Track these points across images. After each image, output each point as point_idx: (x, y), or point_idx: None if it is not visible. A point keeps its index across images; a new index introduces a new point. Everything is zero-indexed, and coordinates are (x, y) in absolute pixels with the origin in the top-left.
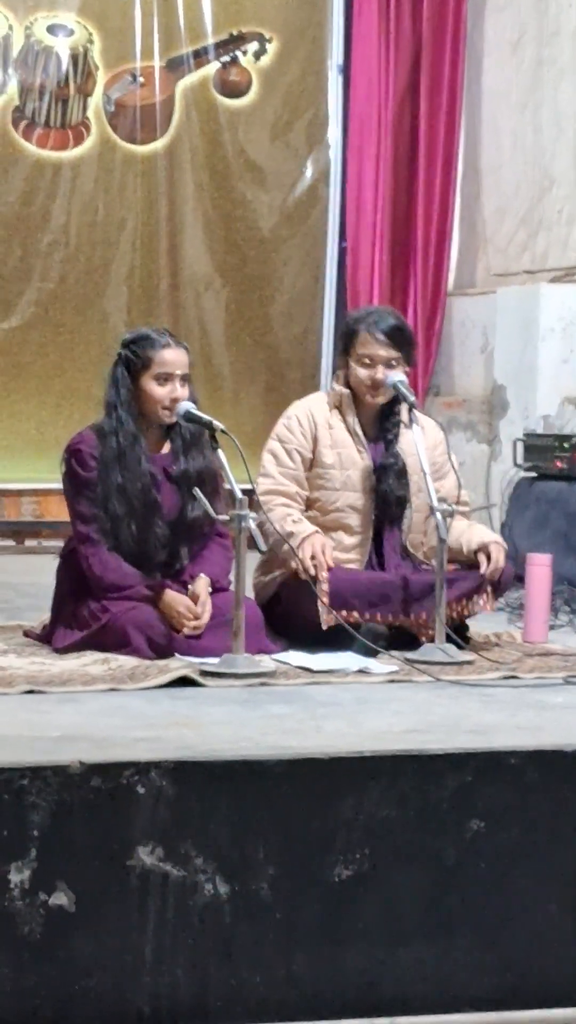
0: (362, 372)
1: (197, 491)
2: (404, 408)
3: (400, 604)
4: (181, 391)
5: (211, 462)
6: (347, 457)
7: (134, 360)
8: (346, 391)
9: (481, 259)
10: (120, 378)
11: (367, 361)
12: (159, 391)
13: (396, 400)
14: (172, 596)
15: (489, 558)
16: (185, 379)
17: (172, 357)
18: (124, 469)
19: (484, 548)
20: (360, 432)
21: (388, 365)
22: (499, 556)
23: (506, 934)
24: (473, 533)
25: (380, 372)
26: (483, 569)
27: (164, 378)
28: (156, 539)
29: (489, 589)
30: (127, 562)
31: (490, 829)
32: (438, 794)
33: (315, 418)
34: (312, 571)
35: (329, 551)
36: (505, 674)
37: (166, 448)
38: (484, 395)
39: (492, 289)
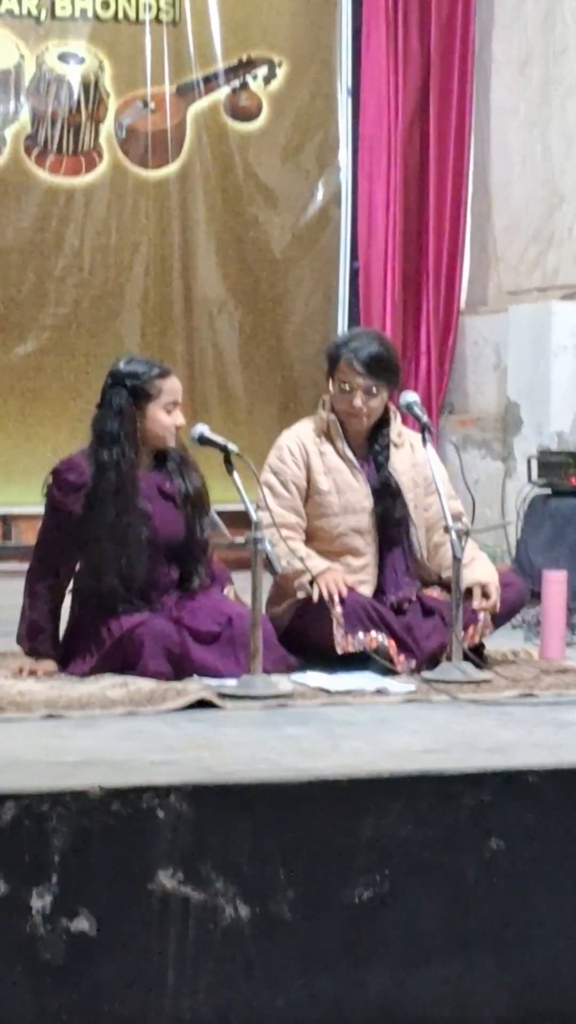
0: (342, 399)
1: (215, 516)
2: (394, 429)
3: (411, 643)
4: (181, 417)
5: (203, 482)
6: (343, 481)
7: (141, 390)
8: (332, 417)
9: (492, 277)
10: (126, 409)
11: (345, 388)
12: (166, 419)
13: (383, 422)
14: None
15: (485, 595)
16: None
17: (175, 385)
18: (119, 507)
19: (479, 586)
20: (351, 455)
21: (367, 392)
22: (494, 596)
23: (526, 952)
24: (472, 566)
25: (359, 400)
26: (475, 604)
27: (170, 406)
28: (152, 562)
29: (480, 621)
30: (116, 595)
31: (509, 848)
32: (457, 813)
33: (306, 446)
34: (337, 607)
35: (342, 583)
36: (523, 692)
37: (154, 468)
38: (498, 413)
39: (504, 307)
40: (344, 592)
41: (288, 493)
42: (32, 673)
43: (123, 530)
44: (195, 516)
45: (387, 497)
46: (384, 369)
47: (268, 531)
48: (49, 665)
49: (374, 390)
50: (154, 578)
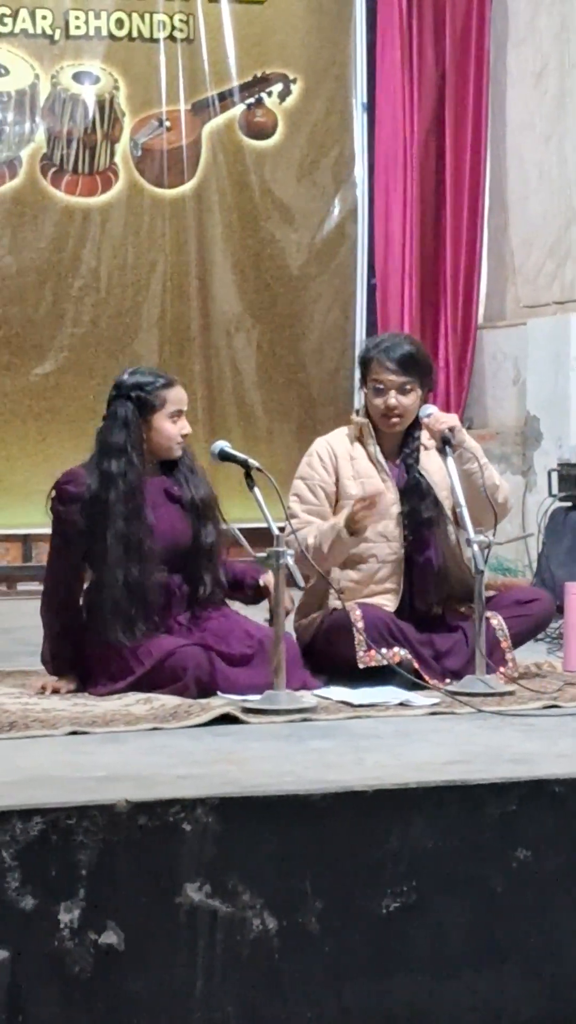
0: (376, 400)
1: (236, 532)
2: (425, 433)
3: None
4: (188, 427)
5: (211, 488)
6: (372, 487)
7: (146, 401)
8: (365, 421)
9: (510, 291)
10: (131, 420)
11: (379, 387)
12: (172, 429)
13: (415, 425)
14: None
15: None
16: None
17: (180, 394)
18: (128, 514)
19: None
20: (382, 459)
21: (401, 391)
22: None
23: (554, 961)
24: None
25: (393, 398)
26: (494, 623)
27: (176, 416)
28: (158, 572)
29: (508, 664)
30: (124, 606)
31: (536, 857)
32: (482, 824)
33: (335, 451)
34: (369, 510)
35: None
36: (546, 703)
37: (160, 474)
38: (517, 426)
39: (522, 321)
40: (372, 502)
41: (315, 498)
42: (55, 691)
43: (132, 541)
44: (201, 522)
45: (415, 496)
46: (415, 365)
47: (293, 536)
48: (70, 683)
49: (407, 387)
50: (168, 588)
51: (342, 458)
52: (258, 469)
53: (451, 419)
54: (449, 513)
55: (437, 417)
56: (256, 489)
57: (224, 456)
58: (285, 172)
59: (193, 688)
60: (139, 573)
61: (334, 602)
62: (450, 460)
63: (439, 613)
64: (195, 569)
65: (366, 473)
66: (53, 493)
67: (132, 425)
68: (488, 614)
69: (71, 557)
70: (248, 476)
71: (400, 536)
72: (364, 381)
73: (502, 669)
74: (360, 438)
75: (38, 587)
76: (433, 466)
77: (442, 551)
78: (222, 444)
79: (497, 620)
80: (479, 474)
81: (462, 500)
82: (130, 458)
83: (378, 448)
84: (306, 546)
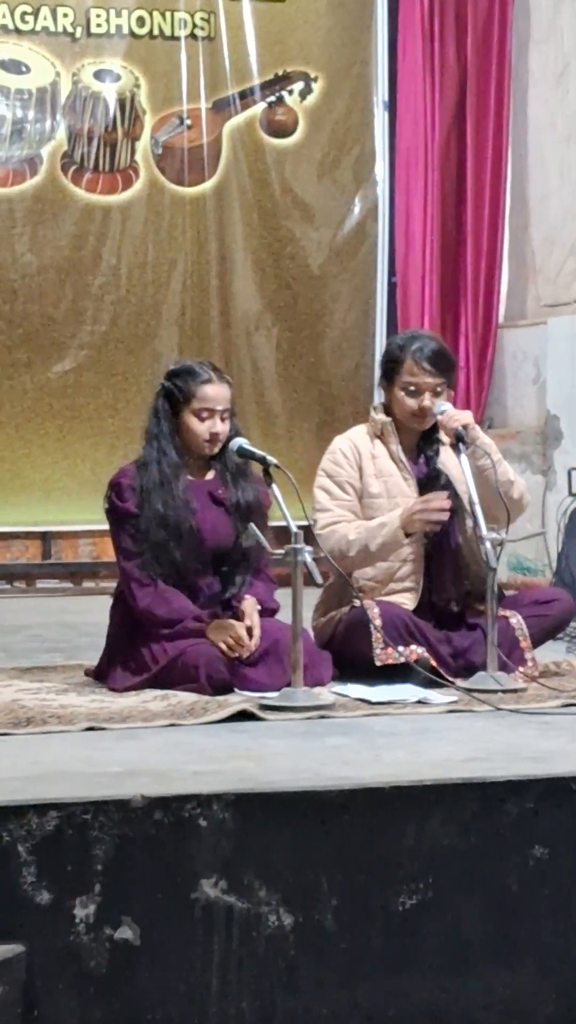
0: (409, 401)
1: (253, 527)
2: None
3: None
4: (222, 426)
5: (260, 493)
6: (393, 485)
7: (175, 393)
8: (387, 419)
9: (531, 290)
10: (161, 410)
11: (412, 389)
12: (199, 426)
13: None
14: (219, 624)
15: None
16: (227, 414)
17: (212, 392)
18: (165, 496)
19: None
20: (403, 458)
21: (434, 392)
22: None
23: (571, 960)
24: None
25: (427, 400)
26: (513, 621)
27: (204, 413)
28: (200, 565)
29: (528, 663)
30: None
31: (553, 855)
32: (500, 821)
33: (359, 449)
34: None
35: (438, 502)
36: (565, 702)
37: (210, 475)
38: (537, 426)
39: (543, 320)
40: (445, 504)
41: (345, 495)
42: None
43: (170, 522)
44: (244, 526)
45: (435, 489)
46: (448, 365)
47: (325, 531)
48: (229, 621)
49: (439, 388)
50: (198, 585)
51: (364, 456)
52: (276, 466)
53: (465, 416)
54: (467, 506)
55: (451, 415)
56: (275, 486)
57: (243, 453)
58: (306, 170)
59: (208, 686)
60: (179, 554)
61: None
62: (464, 456)
63: (457, 611)
64: (230, 572)
65: (387, 471)
66: (108, 492)
67: (162, 415)
68: (507, 613)
69: (141, 547)
70: (266, 473)
71: (422, 534)
72: (390, 379)
73: (521, 669)
74: (381, 436)
75: (57, 584)
76: (450, 462)
77: (461, 544)
78: (241, 441)
79: (517, 619)
80: (492, 470)
81: (475, 497)
82: (161, 446)
83: (399, 447)
84: (347, 542)
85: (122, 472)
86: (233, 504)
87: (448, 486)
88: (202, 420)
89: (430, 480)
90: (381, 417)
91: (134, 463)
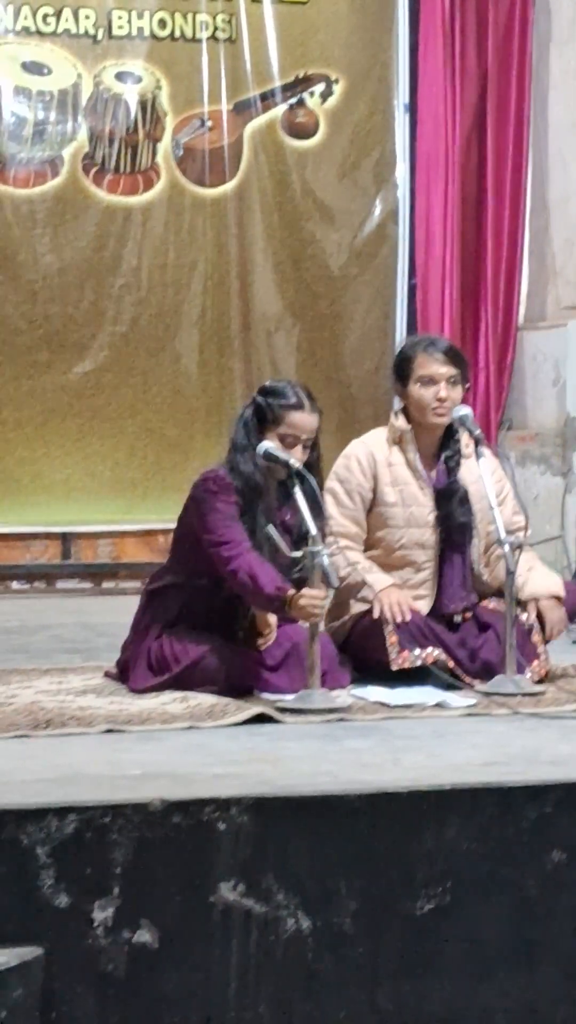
0: (426, 393)
1: (271, 528)
2: (464, 439)
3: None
4: (302, 455)
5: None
6: (409, 494)
7: (266, 411)
8: (407, 426)
9: (551, 292)
10: (249, 423)
11: (428, 379)
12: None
13: (453, 430)
14: (300, 595)
15: (541, 620)
16: (310, 442)
17: (300, 421)
18: (252, 501)
19: (535, 600)
20: (420, 466)
21: (449, 383)
22: (553, 619)
23: None
24: (531, 577)
25: (443, 390)
26: (523, 617)
27: (289, 439)
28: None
29: (541, 657)
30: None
31: (571, 860)
32: (518, 826)
33: (375, 456)
34: (399, 618)
35: (406, 605)
36: None
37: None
38: (557, 428)
39: (563, 322)
40: (407, 615)
41: (352, 503)
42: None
43: (255, 525)
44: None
45: (452, 500)
46: (460, 358)
47: (327, 539)
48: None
49: (453, 379)
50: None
51: (381, 464)
52: (298, 471)
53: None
54: (478, 525)
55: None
56: (298, 490)
57: (268, 457)
58: (326, 172)
59: (227, 689)
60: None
61: (363, 606)
62: (483, 461)
63: (460, 622)
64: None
65: (403, 480)
66: (200, 483)
67: (249, 428)
68: (517, 610)
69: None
70: (290, 477)
71: (436, 543)
72: (404, 380)
73: (535, 663)
74: (399, 443)
75: (77, 584)
76: (470, 476)
77: (470, 558)
78: (267, 445)
79: (527, 615)
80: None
81: (495, 501)
82: (244, 455)
83: (417, 455)
84: (360, 581)
85: (213, 471)
86: (297, 533)
87: (465, 501)
88: (286, 445)
89: (447, 492)
90: (401, 424)
91: (222, 467)
